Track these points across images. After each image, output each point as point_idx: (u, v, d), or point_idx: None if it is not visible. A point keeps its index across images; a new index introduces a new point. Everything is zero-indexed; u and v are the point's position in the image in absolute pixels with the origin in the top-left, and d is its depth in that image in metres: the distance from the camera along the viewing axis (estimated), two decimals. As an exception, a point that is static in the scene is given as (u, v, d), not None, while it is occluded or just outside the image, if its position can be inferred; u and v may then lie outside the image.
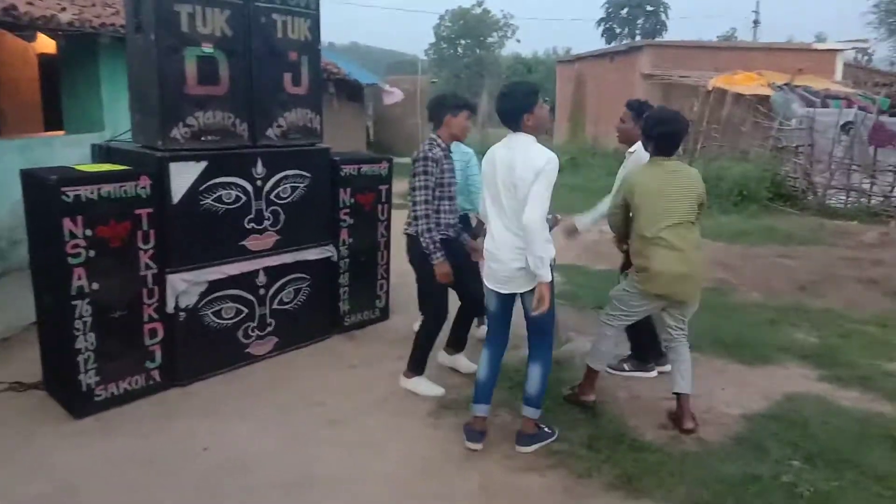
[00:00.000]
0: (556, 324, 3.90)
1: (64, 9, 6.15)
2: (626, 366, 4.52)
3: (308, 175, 4.67)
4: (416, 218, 3.90)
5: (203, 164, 4.11)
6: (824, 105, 13.24)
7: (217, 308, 4.33)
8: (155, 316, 4.06)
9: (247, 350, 4.54)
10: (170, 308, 4.09)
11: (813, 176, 11.91)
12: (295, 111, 4.58)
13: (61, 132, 7.38)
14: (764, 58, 17.95)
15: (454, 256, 4.04)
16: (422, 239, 3.89)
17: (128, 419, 3.82)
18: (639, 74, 18.13)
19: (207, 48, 4.05)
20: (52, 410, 3.89)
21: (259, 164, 4.38)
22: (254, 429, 3.74)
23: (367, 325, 5.32)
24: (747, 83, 15.50)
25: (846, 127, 11.91)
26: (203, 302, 4.25)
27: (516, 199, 3.32)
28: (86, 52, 6.80)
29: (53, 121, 8.23)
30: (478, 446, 3.56)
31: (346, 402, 4.07)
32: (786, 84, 14.84)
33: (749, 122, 14.50)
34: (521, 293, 3.46)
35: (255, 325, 4.55)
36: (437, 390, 4.17)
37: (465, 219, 4.69)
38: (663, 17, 46.41)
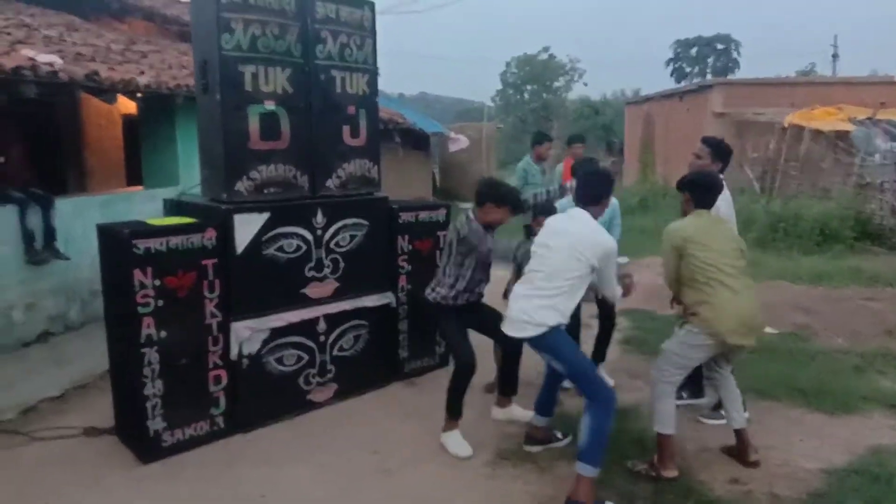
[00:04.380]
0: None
1: (143, 72, 6.58)
2: (683, 393, 4.36)
3: (366, 223, 4.76)
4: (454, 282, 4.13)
5: (266, 216, 4.25)
6: (910, 139, 12.58)
7: (279, 355, 4.42)
8: (219, 363, 4.17)
9: (308, 397, 4.60)
10: (234, 355, 4.20)
11: (901, 213, 11.25)
12: (353, 162, 4.72)
13: (140, 187, 7.81)
14: (844, 92, 17.28)
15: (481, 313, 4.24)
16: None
17: (192, 465, 3.91)
18: (710, 113, 17.77)
19: (270, 105, 4.23)
20: (121, 456, 4.02)
21: (319, 213, 4.50)
22: (311, 477, 3.76)
23: (427, 372, 5.30)
24: (826, 118, 14.93)
25: (935, 161, 11.26)
26: (265, 349, 4.35)
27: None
28: (163, 111, 7.23)
29: (135, 177, 8.73)
30: (531, 449, 3.98)
31: (403, 451, 4.04)
32: (867, 118, 14.22)
33: (829, 159, 13.91)
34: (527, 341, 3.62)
35: (315, 371, 4.61)
36: (464, 450, 4.00)
37: None
38: (735, 54, 45.59)
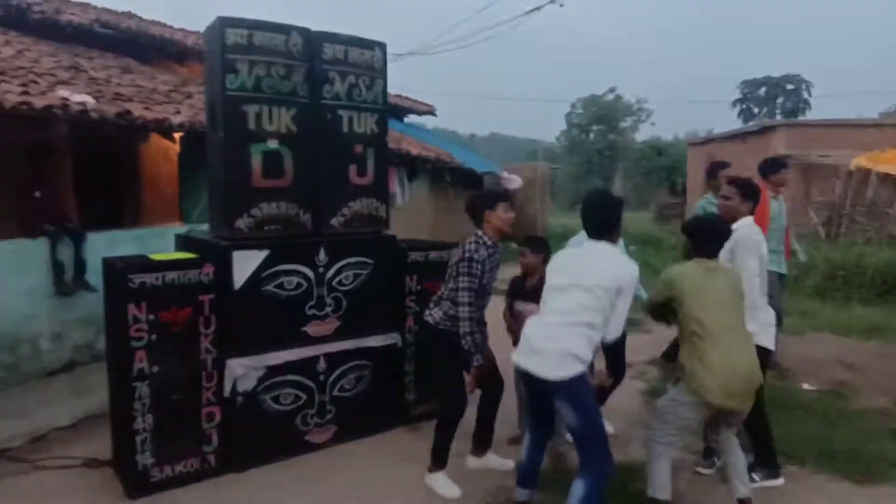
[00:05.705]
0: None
1: (178, 112, 6.82)
2: (755, 476, 3.91)
3: (371, 262, 4.71)
4: (459, 318, 3.84)
5: (265, 253, 4.25)
6: None
7: (276, 393, 4.37)
8: (213, 400, 4.15)
9: (305, 438, 4.51)
10: (227, 392, 4.17)
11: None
12: (360, 200, 4.69)
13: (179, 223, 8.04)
14: (920, 134, 16.37)
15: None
16: (464, 341, 3.82)
17: (178, 503, 3.86)
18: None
19: (273, 144, 4.27)
20: (113, 489, 4.01)
21: (322, 252, 4.48)
22: (291, 522, 3.66)
23: (435, 417, 5.12)
24: (896, 161, 14.15)
25: None
26: (261, 387, 4.30)
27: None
28: (200, 150, 7.42)
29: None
30: None
31: (395, 499, 3.90)
32: (942, 161, 13.41)
33: (898, 204, 13.16)
34: (550, 382, 3.14)
35: (314, 412, 4.53)
36: (453, 491, 3.94)
37: None
38: (805, 95, 43.95)
